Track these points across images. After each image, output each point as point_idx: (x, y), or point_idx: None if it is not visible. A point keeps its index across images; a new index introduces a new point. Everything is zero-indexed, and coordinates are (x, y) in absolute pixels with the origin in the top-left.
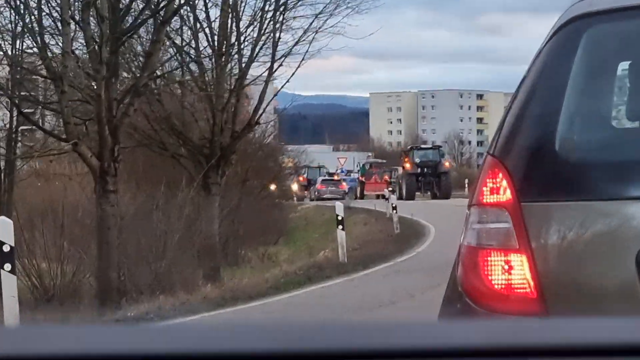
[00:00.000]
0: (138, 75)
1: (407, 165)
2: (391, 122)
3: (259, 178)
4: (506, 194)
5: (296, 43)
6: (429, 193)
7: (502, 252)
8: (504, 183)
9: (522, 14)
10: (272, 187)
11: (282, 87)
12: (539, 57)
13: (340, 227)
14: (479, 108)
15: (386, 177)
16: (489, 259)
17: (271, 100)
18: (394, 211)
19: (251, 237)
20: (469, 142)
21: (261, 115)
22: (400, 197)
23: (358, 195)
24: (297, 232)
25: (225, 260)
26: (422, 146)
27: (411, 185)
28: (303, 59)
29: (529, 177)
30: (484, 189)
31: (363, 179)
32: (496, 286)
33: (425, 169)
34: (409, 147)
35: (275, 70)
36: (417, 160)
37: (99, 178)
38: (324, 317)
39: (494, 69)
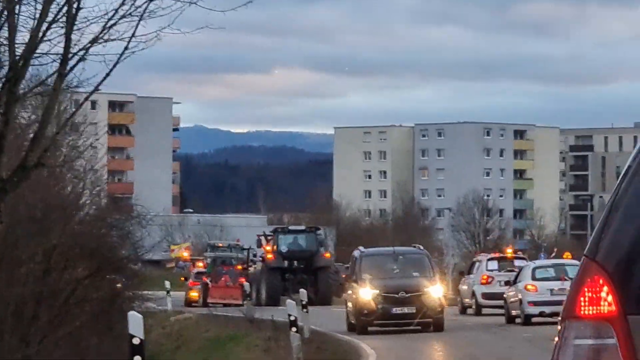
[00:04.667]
0: None
1: (269, 257)
2: (369, 177)
3: (85, 266)
4: (609, 306)
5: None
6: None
7: None
8: (607, 293)
9: (588, 4)
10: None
11: (88, 97)
12: None
13: None
14: (519, 153)
15: (242, 279)
16: None
17: (68, 120)
18: (293, 329)
19: None
20: (499, 211)
21: (47, 149)
22: (258, 303)
23: (200, 302)
24: (161, 359)
25: None
26: (291, 228)
27: (274, 284)
28: (130, 41)
29: (636, 285)
30: (582, 299)
31: (208, 281)
32: None
33: (296, 262)
34: (271, 230)
35: (73, 68)
36: (284, 249)
37: None
38: None
39: (543, 90)
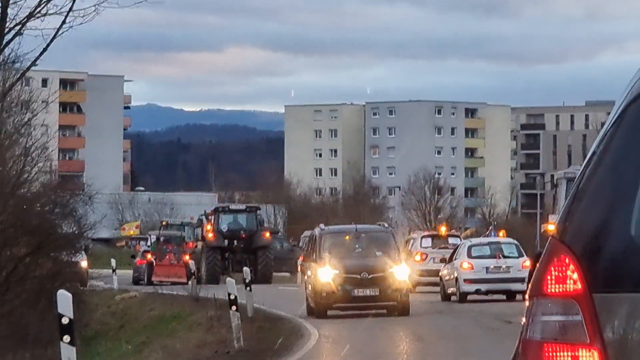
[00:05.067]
0: None
1: (210, 236)
2: (320, 155)
3: (26, 244)
4: (575, 284)
5: None
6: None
7: (569, 347)
8: (572, 272)
9: None
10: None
11: (25, 72)
12: (616, 133)
13: None
14: (470, 132)
15: (186, 257)
16: (554, 354)
17: (5, 95)
18: (233, 308)
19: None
20: (451, 190)
21: None
22: (198, 281)
23: (145, 280)
24: (105, 339)
25: None
26: (232, 207)
27: (214, 263)
28: (68, 15)
29: (601, 265)
30: (548, 277)
31: (153, 259)
32: None
33: (236, 242)
34: (211, 208)
35: (10, 42)
36: (224, 227)
37: None
38: None
39: (495, 69)
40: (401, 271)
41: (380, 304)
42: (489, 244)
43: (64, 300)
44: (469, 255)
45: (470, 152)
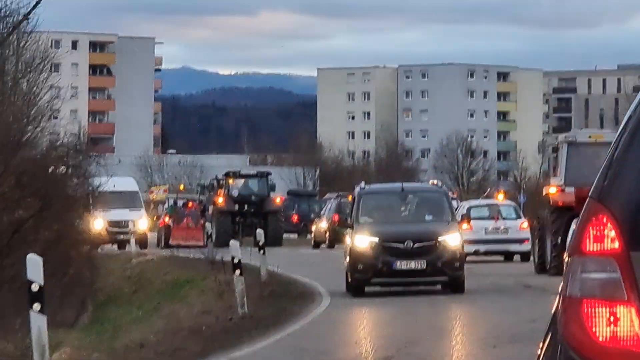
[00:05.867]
0: None
1: (220, 200)
2: (353, 118)
3: (28, 207)
4: (613, 243)
5: None
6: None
7: (608, 304)
8: (610, 230)
9: None
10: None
11: (21, 21)
12: None
13: None
14: (502, 96)
15: (204, 221)
16: (593, 310)
17: None
18: (237, 272)
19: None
20: (484, 153)
21: None
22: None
23: (162, 243)
24: (116, 304)
25: None
26: (243, 172)
27: (224, 227)
28: None
29: (639, 224)
30: (587, 236)
31: (170, 222)
32: (601, 339)
33: (247, 206)
34: (223, 173)
35: None
36: (235, 192)
37: None
38: None
39: (527, 33)
40: (454, 239)
41: (427, 280)
42: (487, 205)
43: (34, 266)
44: (468, 217)
45: (502, 116)
